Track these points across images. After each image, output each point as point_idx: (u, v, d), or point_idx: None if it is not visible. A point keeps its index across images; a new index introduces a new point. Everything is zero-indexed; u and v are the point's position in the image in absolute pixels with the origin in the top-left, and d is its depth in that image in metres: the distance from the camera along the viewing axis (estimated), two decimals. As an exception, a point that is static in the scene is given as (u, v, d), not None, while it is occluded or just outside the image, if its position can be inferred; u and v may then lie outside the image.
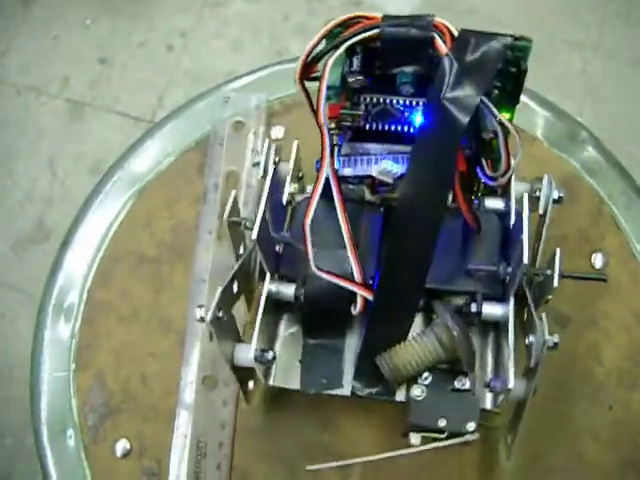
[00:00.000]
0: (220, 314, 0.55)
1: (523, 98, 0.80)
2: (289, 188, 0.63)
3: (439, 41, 0.53)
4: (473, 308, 0.58)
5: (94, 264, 0.77)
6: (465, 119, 0.51)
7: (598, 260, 0.73)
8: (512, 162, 0.55)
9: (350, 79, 0.56)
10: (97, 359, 0.72)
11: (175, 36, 1.76)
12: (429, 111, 0.54)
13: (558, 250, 0.55)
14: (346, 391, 0.60)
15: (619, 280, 0.73)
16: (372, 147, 0.60)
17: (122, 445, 0.68)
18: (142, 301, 0.74)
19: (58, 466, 0.70)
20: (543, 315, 0.54)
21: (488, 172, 0.57)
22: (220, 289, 0.55)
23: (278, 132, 0.81)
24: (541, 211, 0.61)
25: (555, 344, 0.53)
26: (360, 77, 0.56)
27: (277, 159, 0.62)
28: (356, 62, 0.56)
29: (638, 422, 0.68)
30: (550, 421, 0.67)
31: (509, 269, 0.58)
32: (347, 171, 0.60)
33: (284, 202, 0.63)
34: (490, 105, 0.52)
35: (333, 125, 0.59)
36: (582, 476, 0.66)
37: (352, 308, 0.59)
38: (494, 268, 0.59)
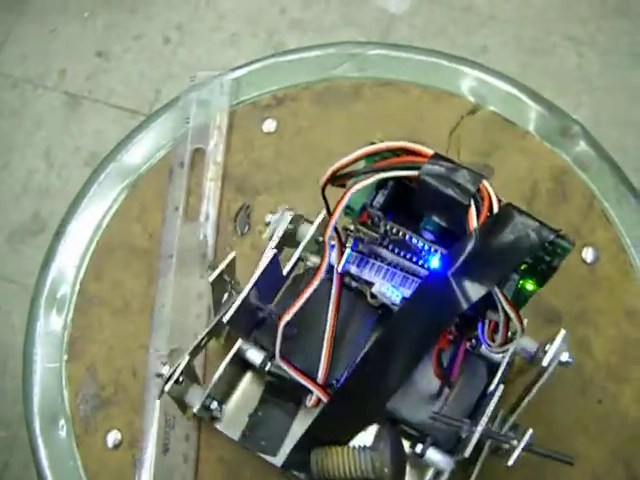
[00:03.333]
0: (180, 379, 0.55)
1: (515, 92, 0.81)
2: (298, 254, 0.62)
3: (472, 213, 0.49)
4: (418, 449, 0.56)
5: (86, 256, 0.77)
6: (464, 305, 0.48)
7: (589, 254, 0.73)
8: (509, 344, 0.53)
9: (370, 211, 0.54)
10: (89, 350, 0.73)
11: (172, 29, 1.75)
12: (435, 274, 0.51)
13: (530, 431, 0.53)
14: (278, 462, 0.59)
15: (609, 274, 0.73)
16: (387, 254, 0.57)
17: (113, 436, 0.69)
18: (134, 293, 0.75)
19: (50, 456, 0.70)
20: None
21: (487, 335, 0.53)
22: (187, 358, 0.55)
23: (270, 125, 0.81)
24: (545, 363, 0.55)
25: None
26: (380, 214, 0.54)
27: (292, 226, 0.61)
28: (381, 198, 0.54)
29: (627, 416, 0.68)
30: (538, 414, 0.67)
31: (472, 430, 0.53)
32: (353, 269, 0.58)
33: (284, 273, 0.62)
34: (500, 297, 0.49)
35: (352, 227, 0.56)
36: (570, 469, 0.66)
37: (307, 399, 0.59)
38: (455, 425, 0.55)
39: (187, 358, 0.55)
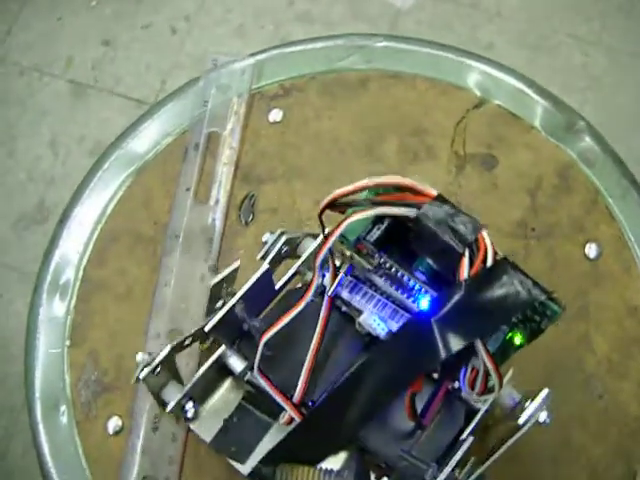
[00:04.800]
0: (158, 370, 0.54)
1: (522, 86, 0.81)
2: (292, 271, 0.60)
3: (465, 263, 0.48)
4: None
5: (90, 242, 0.77)
6: (443, 355, 0.47)
7: (592, 250, 0.73)
8: (487, 395, 0.52)
9: (364, 244, 0.53)
10: (91, 336, 0.73)
11: (179, 20, 1.76)
12: (420, 317, 0.50)
13: None
14: (245, 470, 0.58)
15: (612, 270, 0.73)
16: (380, 283, 0.56)
17: (114, 422, 0.69)
18: (137, 279, 0.75)
19: (51, 442, 0.70)
20: None
21: (467, 381, 0.51)
22: (167, 350, 0.54)
23: (276, 115, 0.81)
24: (521, 421, 0.52)
25: None
26: (373, 248, 0.53)
27: (285, 249, 0.59)
28: (377, 233, 0.53)
29: (627, 412, 0.68)
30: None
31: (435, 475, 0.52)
32: (345, 294, 0.56)
33: (276, 287, 0.60)
34: (482, 351, 0.47)
35: (347, 253, 0.55)
36: (570, 465, 0.67)
37: (281, 415, 0.57)
38: (420, 467, 0.53)
39: (168, 350, 0.55)
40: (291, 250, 0.60)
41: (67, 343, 0.73)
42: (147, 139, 0.82)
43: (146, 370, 0.53)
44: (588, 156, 0.78)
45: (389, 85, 0.82)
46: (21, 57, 1.74)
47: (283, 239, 0.58)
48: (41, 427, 0.71)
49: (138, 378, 0.54)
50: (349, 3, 1.74)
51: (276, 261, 0.59)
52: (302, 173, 0.78)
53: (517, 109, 0.80)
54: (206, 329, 0.54)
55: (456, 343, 0.47)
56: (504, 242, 0.73)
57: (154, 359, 0.54)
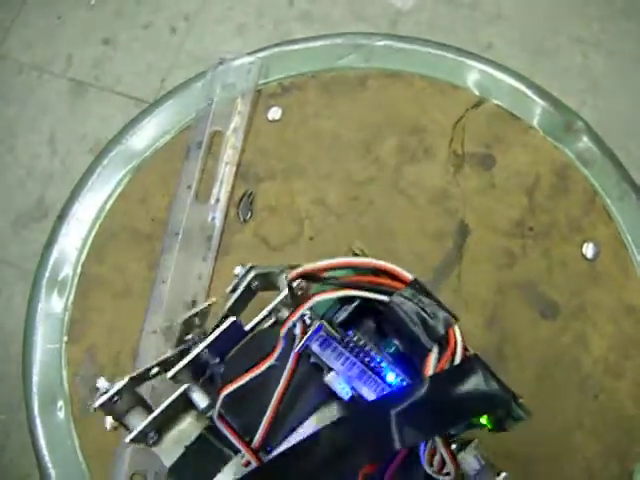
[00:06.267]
0: (115, 399, 0.53)
1: (520, 86, 0.81)
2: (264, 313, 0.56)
3: (432, 359, 0.47)
4: None
5: (89, 239, 0.77)
6: (397, 446, 0.45)
7: (589, 249, 0.74)
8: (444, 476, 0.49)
9: (330, 323, 0.52)
10: (89, 333, 0.73)
11: (179, 19, 1.76)
12: (380, 405, 0.49)
13: None
14: None
15: (609, 270, 0.73)
16: (350, 342, 0.54)
17: (111, 418, 0.69)
18: (135, 276, 0.75)
19: (48, 437, 0.70)
20: None
21: (427, 456, 0.49)
22: (125, 380, 0.53)
23: (275, 113, 0.81)
24: None
25: None
26: (340, 330, 0.52)
27: (256, 283, 0.56)
28: (343, 315, 0.52)
29: (622, 412, 0.68)
30: (536, 408, 0.67)
31: None
32: (315, 348, 0.54)
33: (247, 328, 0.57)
34: (440, 445, 0.46)
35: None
36: (566, 463, 0.67)
37: (240, 455, 0.56)
38: None
39: (125, 382, 0.53)
40: (265, 283, 0.58)
41: (65, 339, 0.73)
42: (146, 136, 0.82)
43: (102, 399, 0.52)
44: (586, 156, 0.78)
45: (388, 84, 0.82)
46: (21, 55, 1.74)
47: (252, 274, 0.56)
48: (38, 422, 0.71)
49: (94, 407, 0.52)
50: (349, 3, 1.74)
51: (247, 296, 0.57)
52: (301, 171, 0.78)
53: (516, 109, 0.80)
54: (168, 376, 0.52)
55: (412, 438, 0.46)
56: (501, 241, 0.74)
57: (113, 388, 0.52)
